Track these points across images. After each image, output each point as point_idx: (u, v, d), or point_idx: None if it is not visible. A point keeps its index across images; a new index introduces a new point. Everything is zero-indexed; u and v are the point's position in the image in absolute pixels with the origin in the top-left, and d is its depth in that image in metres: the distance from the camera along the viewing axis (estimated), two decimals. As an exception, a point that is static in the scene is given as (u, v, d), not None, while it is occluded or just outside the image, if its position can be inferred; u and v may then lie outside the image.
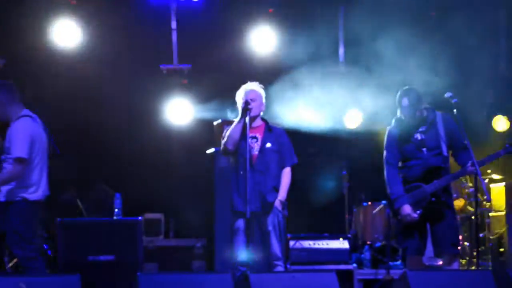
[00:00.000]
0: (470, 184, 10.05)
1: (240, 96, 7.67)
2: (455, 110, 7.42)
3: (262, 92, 7.73)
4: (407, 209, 7.43)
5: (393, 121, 7.68)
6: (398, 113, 7.58)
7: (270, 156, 7.62)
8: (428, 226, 7.54)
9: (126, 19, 10.61)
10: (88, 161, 10.61)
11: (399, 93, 7.55)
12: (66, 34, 10.36)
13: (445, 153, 7.49)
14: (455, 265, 7.47)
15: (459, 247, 7.90)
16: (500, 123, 11.44)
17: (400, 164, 7.60)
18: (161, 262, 10.25)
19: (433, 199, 7.45)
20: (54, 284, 6.25)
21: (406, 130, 7.55)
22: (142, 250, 8.44)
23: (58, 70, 10.48)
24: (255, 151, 7.61)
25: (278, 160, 7.66)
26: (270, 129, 7.72)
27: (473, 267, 9.35)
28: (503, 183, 10.23)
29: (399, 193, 7.48)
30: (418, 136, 7.53)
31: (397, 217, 7.57)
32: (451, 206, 7.59)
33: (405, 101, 7.45)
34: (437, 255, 7.55)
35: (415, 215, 7.42)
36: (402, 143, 7.56)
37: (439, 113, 7.59)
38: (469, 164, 7.36)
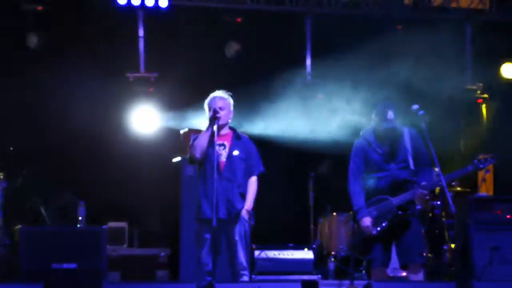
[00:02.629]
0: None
1: (208, 104, 7.64)
2: (422, 123, 7.47)
3: (230, 100, 7.69)
4: (367, 221, 7.46)
5: (361, 132, 7.70)
6: (370, 125, 7.60)
7: (237, 164, 7.58)
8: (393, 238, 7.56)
9: (93, 26, 10.56)
10: (52, 168, 10.49)
11: (380, 105, 7.57)
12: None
13: (412, 167, 7.52)
14: (420, 275, 7.49)
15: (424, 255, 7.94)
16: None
17: (366, 175, 7.61)
18: (124, 271, 10.14)
19: (400, 212, 7.47)
20: (17, 292, 6.19)
21: (376, 142, 7.56)
22: (105, 258, 8.35)
23: (22, 77, 10.40)
24: (223, 158, 7.56)
25: (244, 168, 7.62)
26: (238, 137, 7.68)
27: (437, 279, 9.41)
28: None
29: (360, 204, 7.51)
30: (387, 148, 7.55)
31: (360, 229, 7.59)
32: (416, 216, 7.62)
33: (390, 114, 7.46)
34: (402, 266, 7.58)
35: (374, 231, 7.45)
36: (370, 155, 7.57)
37: (406, 128, 7.62)
38: (421, 184, 7.41)
